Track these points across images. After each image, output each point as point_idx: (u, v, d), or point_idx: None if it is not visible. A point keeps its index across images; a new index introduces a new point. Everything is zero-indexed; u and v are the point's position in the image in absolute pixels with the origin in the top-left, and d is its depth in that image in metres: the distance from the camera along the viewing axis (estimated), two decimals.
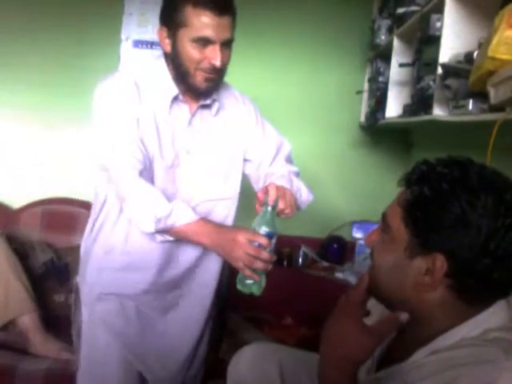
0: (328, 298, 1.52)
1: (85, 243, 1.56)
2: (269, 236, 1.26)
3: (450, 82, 1.39)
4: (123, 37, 2.60)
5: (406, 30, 1.94)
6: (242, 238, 1.25)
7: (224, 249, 1.31)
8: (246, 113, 1.55)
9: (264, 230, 1.26)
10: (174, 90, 1.42)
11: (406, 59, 2.02)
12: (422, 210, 0.85)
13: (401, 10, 1.94)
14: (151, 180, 1.41)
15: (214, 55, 1.32)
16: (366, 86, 2.55)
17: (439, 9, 1.53)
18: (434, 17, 1.56)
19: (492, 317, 0.85)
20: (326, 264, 2.47)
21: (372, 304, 0.99)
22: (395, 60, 2.10)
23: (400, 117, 2.00)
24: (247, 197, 1.55)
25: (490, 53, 1.08)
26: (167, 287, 1.53)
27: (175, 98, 1.42)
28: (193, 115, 1.46)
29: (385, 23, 2.26)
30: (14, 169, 2.61)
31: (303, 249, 2.51)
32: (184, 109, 1.45)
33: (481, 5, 1.46)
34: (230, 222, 1.55)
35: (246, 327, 2.12)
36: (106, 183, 1.44)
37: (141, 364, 1.52)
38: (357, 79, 2.60)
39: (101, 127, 1.40)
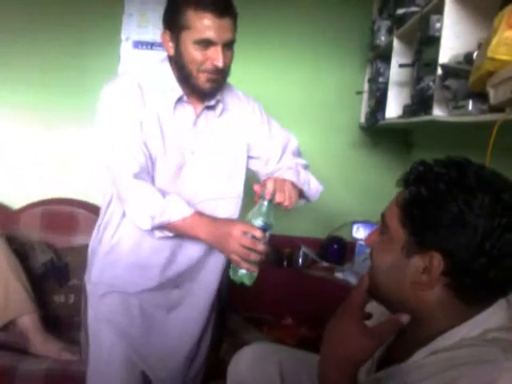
0: (328, 299, 1.53)
1: (92, 243, 1.59)
2: (263, 229, 1.28)
3: (449, 82, 1.40)
4: (123, 37, 2.60)
5: (406, 31, 1.94)
6: (236, 230, 1.28)
7: (220, 242, 1.33)
8: (250, 112, 1.56)
9: (259, 222, 1.28)
10: (178, 91, 1.44)
11: (406, 60, 2.02)
12: (419, 209, 0.86)
13: (400, 11, 1.94)
14: (154, 180, 1.42)
15: (216, 56, 1.35)
16: (365, 86, 2.55)
17: (439, 9, 1.54)
18: (434, 17, 1.56)
19: (492, 317, 0.85)
20: (325, 264, 2.47)
21: (373, 306, 1.00)
22: (395, 60, 2.10)
23: (400, 117, 2.00)
24: (251, 196, 1.56)
25: (489, 53, 1.08)
26: (170, 286, 1.54)
27: (180, 100, 1.44)
28: (198, 116, 1.47)
29: (385, 24, 2.26)
30: (14, 169, 2.61)
31: (303, 249, 2.51)
32: (189, 110, 1.46)
33: (480, 5, 1.47)
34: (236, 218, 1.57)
35: (246, 328, 2.12)
36: (111, 184, 1.46)
37: (144, 363, 1.53)
38: (357, 80, 2.61)
39: (103, 129, 1.42)
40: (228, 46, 1.37)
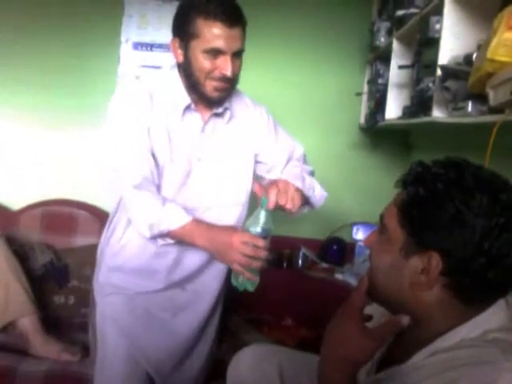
0: (328, 300, 1.53)
1: (101, 243, 1.62)
2: (263, 235, 1.27)
3: (449, 83, 1.40)
4: (123, 38, 2.60)
5: (406, 32, 1.94)
6: (237, 240, 1.27)
7: (219, 251, 1.33)
8: (257, 118, 1.57)
9: (258, 229, 1.27)
10: (186, 99, 1.44)
11: (406, 61, 2.02)
12: (418, 209, 0.86)
13: (400, 13, 1.95)
14: (161, 187, 1.44)
15: (224, 65, 1.35)
16: (365, 87, 2.55)
17: (438, 11, 1.54)
18: (434, 19, 1.56)
19: (491, 317, 0.85)
20: (325, 265, 2.47)
21: (373, 307, 1.00)
22: (395, 62, 2.10)
23: (399, 118, 2.00)
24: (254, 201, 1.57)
25: (489, 55, 1.08)
26: (175, 288, 1.56)
27: (187, 107, 1.45)
28: (206, 123, 1.48)
29: (384, 25, 2.26)
30: (14, 170, 2.62)
31: (303, 250, 2.51)
32: (196, 117, 1.47)
33: (480, 7, 1.47)
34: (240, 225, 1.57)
35: (246, 328, 2.12)
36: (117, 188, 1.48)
37: (147, 363, 1.54)
38: (356, 81, 2.61)
39: (111, 134, 1.45)
40: (237, 55, 1.38)
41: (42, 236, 2.42)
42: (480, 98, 1.26)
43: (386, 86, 2.19)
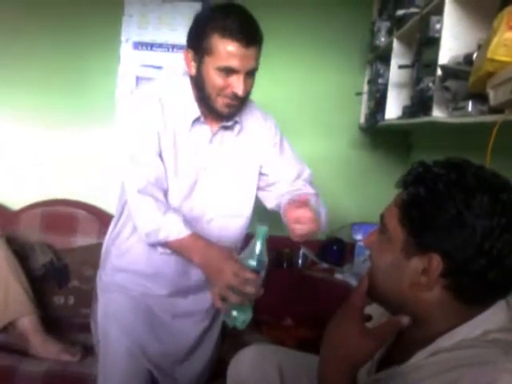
0: (328, 299, 1.53)
1: (106, 242, 1.62)
2: (257, 270, 1.21)
3: (449, 83, 1.40)
4: (123, 38, 2.60)
5: (406, 32, 1.94)
6: (228, 269, 1.21)
7: (210, 273, 1.30)
8: (265, 131, 1.56)
9: (253, 263, 1.21)
10: (196, 111, 1.44)
11: (406, 61, 2.02)
12: (418, 209, 0.85)
13: (400, 12, 1.95)
14: (167, 195, 1.44)
15: (237, 84, 1.34)
16: (365, 87, 2.55)
17: (439, 11, 1.54)
18: (434, 19, 1.56)
19: (492, 318, 0.85)
20: (325, 265, 2.47)
21: (373, 308, 1.00)
22: (395, 62, 2.10)
23: (399, 118, 2.00)
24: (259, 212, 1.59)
25: (489, 54, 1.08)
26: (179, 296, 1.57)
27: (197, 119, 1.45)
28: (214, 135, 1.48)
29: (384, 25, 2.26)
30: (14, 170, 2.61)
31: (303, 250, 2.51)
32: (205, 129, 1.47)
33: (480, 6, 1.46)
34: (241, 237, 1.58)
35: (246, 329, 2.11)
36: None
37: (148, 362, 1.53)
38: (356, 81, 2.61)
39: (122, 135, 1.45)
40: (250, 73, 1.36)
41: (41, 236, 2.42)
42: (480, 97, 1.26)
43: (386, 85, 2.19)
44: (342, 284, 2.28)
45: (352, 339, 0.86)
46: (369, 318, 0.96)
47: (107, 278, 1.59)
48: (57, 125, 2.60)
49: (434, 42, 1.57)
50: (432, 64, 1.59)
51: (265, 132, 1.56)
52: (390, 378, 0.90)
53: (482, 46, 1.16)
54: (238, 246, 1.58)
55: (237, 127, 1.50)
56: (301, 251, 2.51)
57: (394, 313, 0.93)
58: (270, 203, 1.57)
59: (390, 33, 2.21)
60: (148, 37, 2.60)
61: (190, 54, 1.39)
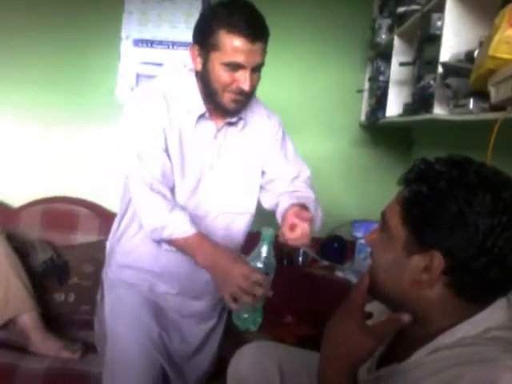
0: (328, 297, 1.53)
1: (110, 242, 1.63)
2: (265, 272, 1.23)
3: (450, 80, 1.39)
4: (123, 35, 2.60)
5: (407, 29, 1.94)
6: (237, 272, 1.22)
7: (217, 276, 1.30)
8: (269, 127, 1.57)
9: (260, 265, 1.22)
10: (201, 108, 1.44)
11: (407, 58, 2.02)
12: (420, 207, 0.85)
13: (401, 9, 1.94)
14: (174, 193, 1.44)
15: (243, 80, 1.34)
16: (366, 85, 2.55)
17: (440, 8, 1.53)
18: (435, 16, 1.56)
19: (492, 315, 0.85)
20: (326, 263, 2.47)
21: (373, 305, 1.00)
22: (396, 59, 2.09)
23: (400, 116, 2.00)
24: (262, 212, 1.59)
25: (490, 52, 1.07)
26: (188, 296, 1.58)
27: (202, 115, 1.45)
28: (218, 130, 1.48)
29: (385, 22, 2.26)
30: (15, 167, 2.61)
31: (303, 248, 2.51)
32: (210, 125, 1.47)
33: (481, 4, 1.46)
34: (244, 235, 1.59)
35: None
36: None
37: (160, 355, 1.50)
38: (357, 78, 2.60)
39: (125, 133, 1.44)
40: (256, 68, 1.36)
41: (42, 233, 2.42)
42: (481, 95, 1.25)
43: (386, 83, 2.19)
44: (343, 281, 2.28)
45: (352, 337, 0.86)
46: (369, 315, 0.96)
47: (113, 274, 1.58)
48: (57, 122, 2.60)
49: (435, 39, 1.56)
50: (433, 61, 1.58)
51: (268, 129, 1.56)
52: (391, 376, 0.90)
53: (484, 44, 1.16)
54: (239, 246, 1.58)
55: (241, 123, 1.51)
56: (301, 249, 2.51)
57: (394, 310, 0.93)
58: (267, 202, 1.57)
59: (390, 30, 2.21)
60: (148, 34, 2.60)
61: (196, 50, 1.39)
